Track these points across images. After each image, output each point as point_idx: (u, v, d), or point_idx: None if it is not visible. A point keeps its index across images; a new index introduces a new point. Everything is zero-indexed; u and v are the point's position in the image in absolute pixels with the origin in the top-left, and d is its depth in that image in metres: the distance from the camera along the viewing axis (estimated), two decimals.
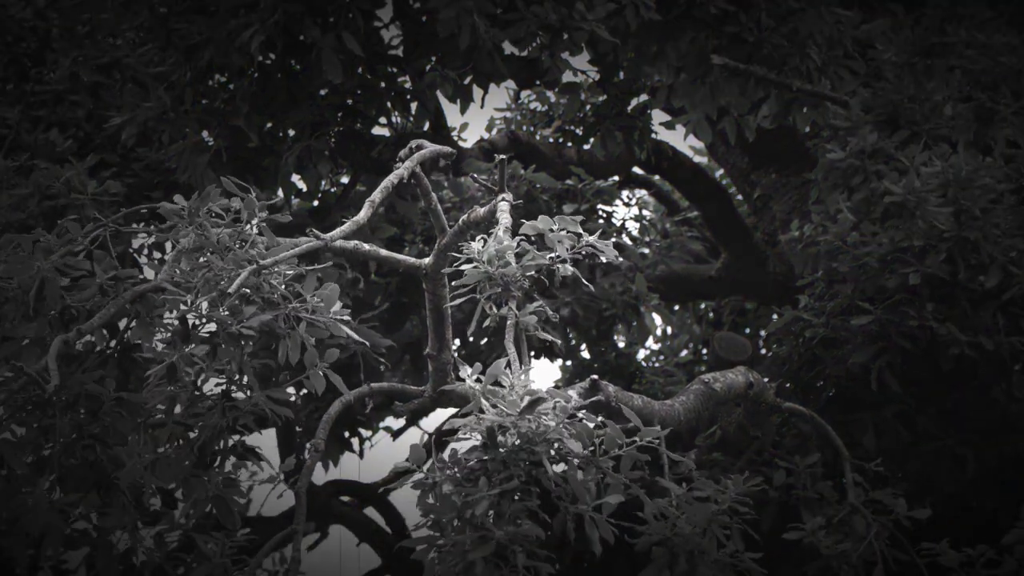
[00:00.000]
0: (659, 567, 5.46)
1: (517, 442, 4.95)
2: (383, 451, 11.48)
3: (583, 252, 5.40)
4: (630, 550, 5.49)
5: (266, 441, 6.02)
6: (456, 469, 4.98)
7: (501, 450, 4.95)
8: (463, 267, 5.35)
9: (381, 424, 11.41)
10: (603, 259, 5.46)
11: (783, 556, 7.82)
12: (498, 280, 5.29)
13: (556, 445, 4.98)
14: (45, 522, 5.54)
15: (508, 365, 5.11)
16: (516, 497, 4.95)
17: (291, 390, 9.77)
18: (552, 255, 5.36)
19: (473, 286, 5.34)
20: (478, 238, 5.36)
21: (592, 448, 5.10)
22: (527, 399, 4.95)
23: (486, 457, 4.95)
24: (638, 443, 5.20)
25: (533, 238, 5.47)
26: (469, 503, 4.90)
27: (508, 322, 5.30)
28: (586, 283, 5.63)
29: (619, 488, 5.11)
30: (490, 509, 4.90)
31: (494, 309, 5.30)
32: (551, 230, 5.38)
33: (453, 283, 5.50)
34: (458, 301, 5.43)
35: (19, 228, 8.03)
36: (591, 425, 5.15)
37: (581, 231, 5.37)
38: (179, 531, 5.85)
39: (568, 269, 5.32)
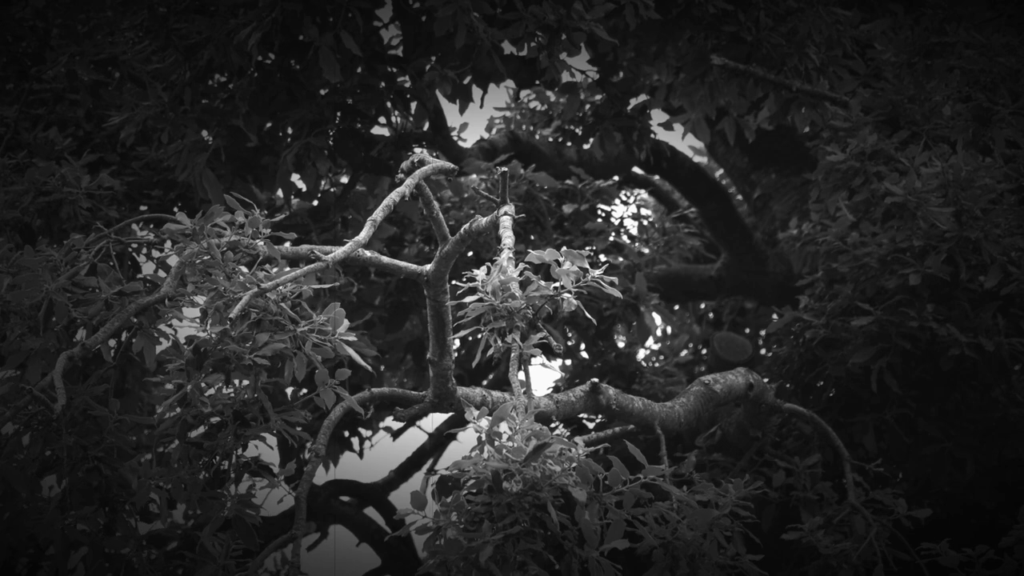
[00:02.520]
0: (660, 570, 5.47)
1: (522, 487, 4.95)
2: (383, 451, 11.49)
3: (587, 287, 5.39)
4: (631, 554, 5.50)
5: (266, 444, 6.03)
6: (460, 513, 4.98)
7: (507, 498, 4.94)
8: (466, 299, 5.35)
9: (381, 424, 11.42)
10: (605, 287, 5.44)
11: (783, 556, 7.83)
12: (502, 312, 5.28)
13: (561, 490, 4.97)
14: (46, 535, 5.56)
15: (514, 408, 5.11)
16: (521, 541, 4.94)
17: (289, 391, 9.77)
18: (556, 285, 5.35)
19: (477, 318, 5.34)
20: (483, 267, 5.35)
21: (596, 483, 5.10)
22: (533, 443, 4.94)
23: (491, 502, 4.95)
24: (641, 480, 5.20)
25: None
26: (474, 548, 4.89)
27: (512, 354, 5.30)
28: (588, 316, 5.61)
29: (621, 528, 5.11)
30: (496, 555, 4.90)
31: (498, 341, 5.29)
32: (557, 263, 5.37)
33: (457, 314, 5.51)
34: (462, 333, 5.42)
35: (15, 225, 8.02)
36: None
37: (587, 265, 5.36)
38: (177, 540, 5.86)
39: (572, 302, 5.30)
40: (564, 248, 5.34)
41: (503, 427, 5.04)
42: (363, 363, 5.37)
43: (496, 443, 4.95)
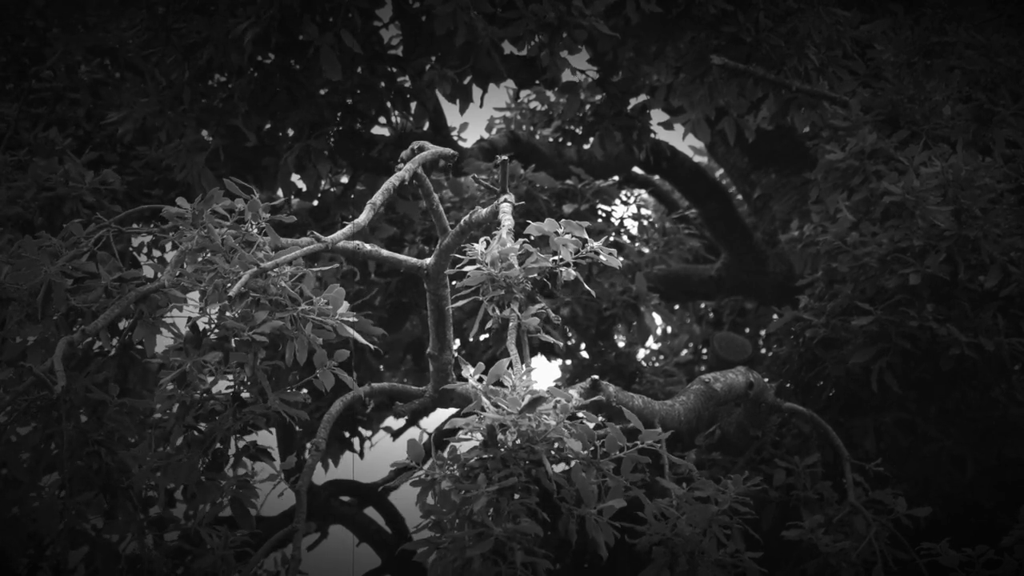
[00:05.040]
0: (659, 567, 5.47)
1: (517, 441, 4.95)
2: (383, 451, 11.48)
3: (586, 257, 5.39)
4: (631, 550, 5.49)
5: (266, 440, 6.03)
6: (455, 467, 4.98)
7: (501, 448, 4.95)
8: (466, 268, 5.35)
9: (381, 424, 11.41)
10: (603, 258, 5.45)
11: (783, 555, 7.83)
12: (501, 282, 5.28)
13: (556, 444, 4.98)
14: (45, 522, 5.55)
15: (510, 365, 5.11)
16: (515, 495, 4.95)
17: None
18: (555, 258, 5.35)
19: (476, 288, 5.34)
20: (481, 240, 5.36)
21: (593, 449, 5.10)
22: (528, 398, 4.94)
23: (486, 455, 4.95)
24: (639, 445, 5.19)
25: (536, 239, 5.46)
26: (468, 500, 4.90)
27: (510, 324, 5.29)
28: (587, 287, 5.61)
29: (620, 491, 5.11)
30: (489, 507, 4.90)
31: (496, 311, 5.29)
32: (556, 233, 5.37)
33: (456, 284, 5.50)
34: (461, 303, 5.42)
35: (17, 221, 8.04)
36: (592, 426, 5.14)
37: (586, 236, 5.36)
38: (179, 531, 5.85)
39: (571, 273, 5.30)
40: (563, 219, 5.33)
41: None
42: (363, 340, 5.35)
43: (492, 398, 4.96)
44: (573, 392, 6.30)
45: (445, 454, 5.02)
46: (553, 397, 4.99)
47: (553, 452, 4.99)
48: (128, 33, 9.18)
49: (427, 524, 4.98)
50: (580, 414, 5.09)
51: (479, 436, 4.99)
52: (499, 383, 5.04)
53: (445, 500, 4.95)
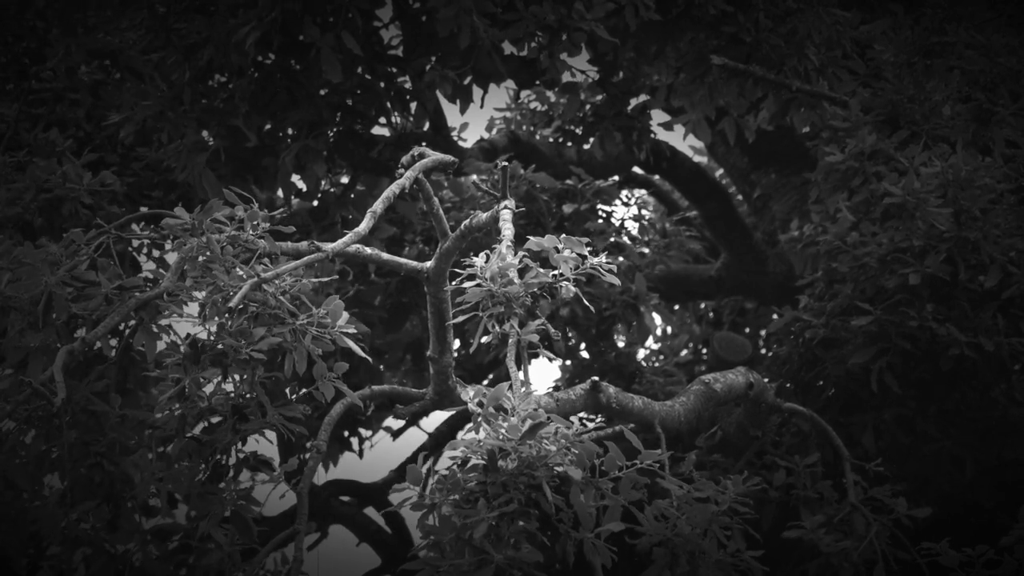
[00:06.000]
0: (660, 568, 5.46)
1: (517, 466, 4.95)
2: (383, 451, 11.49)
3: (586, 274, 5.38)
4: (631, 551, 5.50)
5: (267, 441, 6.04)
6: (455, 491, 4.99)
7: (502, 477, 4.95)
8: (465, 284, 5.34)
9: (381, 424, 11.41)
10: (604, 265, 5.44)
11: (783, 555, 7.83)
12: (500, 298, 5.27)
13: (556, 470, 4.97)
14: (45, 523, 5.56)
15: (510, 387, 5.11)
16: (515, 520, 4.95)
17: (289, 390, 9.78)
18: (555, 273, 5.34)
19: (475, 303, 5.33)
20: (481, 253, 5.35)
21: (592, 468, 5.09)
22: (528, 423, 4.94)
23: (486, 480, 4.96)
24: (638, 465, 5.19)
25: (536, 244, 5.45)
26: (468, 525, 4.90)
27: (510, 340, 5.29)
28: (587, 303, 5.60)
29: (617, 511, 5.11)
30: (489, 532, 4.90)
31: (496, 327, 5.28)
32: (556, 249, 5.36)
33: (456, 300, 5.50)
34: (460, 319, 5.42)
35: (16, 223, 8.04)
36: (591, 426, 5.13)
37: (586, 252, 5.35)
38: (181, 536, 5.86)
39: (571, 289, 5.29)
40: (563, 235, 5.32)
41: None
42: (362, 353, 5.35)
43: (492, 423, 4.96)
44: (573, 394, 6.31)
45: (445, 475, 5.02)
46: (553, 422, 4.99)
47: (555, 479, 4.99)
48: (128, 34, 9.18)
49: (427, 544, 4.99)
50: (580, 417, 5.08)
51: (479, 460, 4.99)
52: (499, 407, 5.04)
53: (446, 524, 4.96)
